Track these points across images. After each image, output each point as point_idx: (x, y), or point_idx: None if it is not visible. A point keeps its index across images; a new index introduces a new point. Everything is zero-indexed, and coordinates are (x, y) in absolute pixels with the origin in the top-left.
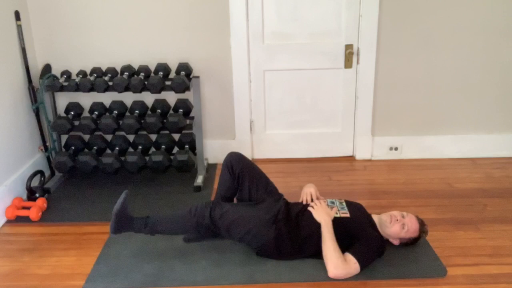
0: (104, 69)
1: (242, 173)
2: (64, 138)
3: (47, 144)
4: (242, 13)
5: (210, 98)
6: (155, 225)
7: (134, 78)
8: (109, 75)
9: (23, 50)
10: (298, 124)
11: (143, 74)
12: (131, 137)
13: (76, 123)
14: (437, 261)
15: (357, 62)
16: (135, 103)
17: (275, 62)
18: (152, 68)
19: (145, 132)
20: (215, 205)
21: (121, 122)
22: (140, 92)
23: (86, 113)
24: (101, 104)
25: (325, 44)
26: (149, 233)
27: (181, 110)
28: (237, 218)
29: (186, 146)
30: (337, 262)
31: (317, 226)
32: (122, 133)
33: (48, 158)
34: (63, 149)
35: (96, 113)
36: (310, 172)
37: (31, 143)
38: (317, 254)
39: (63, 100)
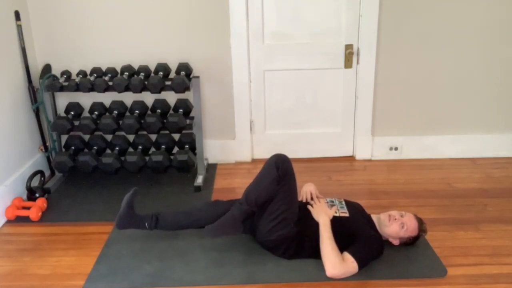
0: (104, 69)
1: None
2: (64, 138)
3: (47, 144)
4: (242, 13)
5: (210, 98)
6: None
7: (134, 78)
8: (109, 75)
9: (23, 50)
10: (298, 124)
11: (143, 74)
12: (131, 137)
13: (76, 123)
14: (437, 261)
15: (357, 62)
16: (135, 103)
17: (275, 62)
18: (152, 68)
19: (145, 132)
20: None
21: (121, 122)
22: (140, 92)
23: (86, 113)
24: (101, 104)
25: (325, 44)
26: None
27: (181, 110)
28: (288, 193)
29: (186, 146)
30: (335, 261)
31: (316, 224)
32: (122, 133)
33: (48, 158)
34: (63, 149)
35: (96, 113)
36: (310, 172)
37: (31, 143)
38: (316, 253)
39: (63, 100)
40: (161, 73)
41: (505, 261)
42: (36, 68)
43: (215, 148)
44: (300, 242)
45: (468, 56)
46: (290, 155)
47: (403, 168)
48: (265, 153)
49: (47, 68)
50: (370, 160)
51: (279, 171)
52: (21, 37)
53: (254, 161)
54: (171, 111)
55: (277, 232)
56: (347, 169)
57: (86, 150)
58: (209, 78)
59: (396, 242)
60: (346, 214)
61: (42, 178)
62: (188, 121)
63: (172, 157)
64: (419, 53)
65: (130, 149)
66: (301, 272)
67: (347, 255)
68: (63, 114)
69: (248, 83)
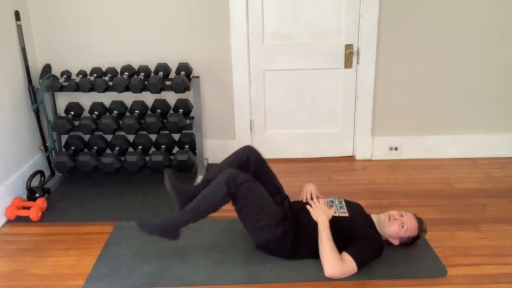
0: (104, 69)
1: (254, 174)
2: (64, 138)
3: (47, 144)
4: (242, 13)
5: (210, 98)
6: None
7: (134, 78)
8: (109, 75)
9: (23, 50)
10: (298, 124)
11: (143, 74)
12: (131, 137)
13: (76, 123)
14: (437, 261)
15: (357, 62)
16: (135, 103)
17: (275, 62)
18: (152, 68)
19: (145, 132)
20: (247, 177)
21: (121, 122)
22: (140, 92)
23: (86, 113)
24: (101, 104)
25: (325, 44)
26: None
27: (181, 110)
28: (253, 202)
29: (186, 146)
30: (334, 261)
31: (315, 224)
32: (122, 133)
33: (48, 158)
34: (63, 149)
35: (96, 113)
36: (310, 172)
37: (31, 143)
38: (316, 253)
39: (63, 100)
40: (161, 73)
41: (505, 261)
42: (36, 68)
43: (215, 148)
44: (295, 241)
45: (468, 56)
46: (290, 155)
47: (403, 168)
48: (265, 153)
49: (47, 68)
50: (370, 160)
51: (231, 189)
52: (21, 37)
53: None
54: (171, 111)
55: (262, 237)
56: (347, 169)
57: (86, 150)
58: (209, 78)
59: (396, 242)
60: (345, 214)
61: (42, 178)
62: (188, 121)
63: (172, 157)
64: (419, 53)
65: (130, 149)
66: (301, 272)
67: (346, 255)
68: (63, 114)
69: (248, 83)
